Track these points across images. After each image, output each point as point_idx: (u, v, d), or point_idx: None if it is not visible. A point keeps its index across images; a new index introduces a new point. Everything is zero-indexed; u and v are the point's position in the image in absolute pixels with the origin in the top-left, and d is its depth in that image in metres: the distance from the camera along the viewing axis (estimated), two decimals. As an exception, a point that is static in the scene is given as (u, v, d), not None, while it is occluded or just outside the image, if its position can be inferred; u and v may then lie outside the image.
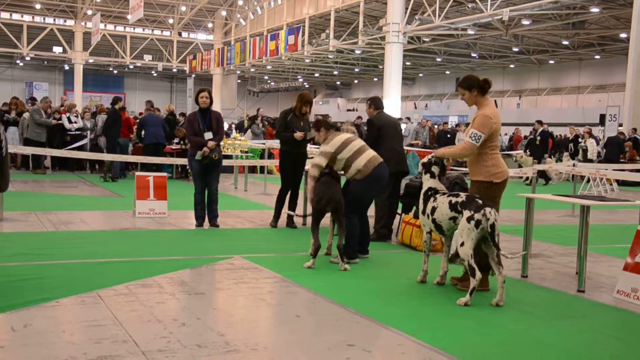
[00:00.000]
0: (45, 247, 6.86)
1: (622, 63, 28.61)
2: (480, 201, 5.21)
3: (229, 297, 5.23)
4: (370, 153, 6.65)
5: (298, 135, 8.42)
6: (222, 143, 9.75)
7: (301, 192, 9.00)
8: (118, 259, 6.39)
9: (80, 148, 15.87)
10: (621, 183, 17.55)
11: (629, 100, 20.87)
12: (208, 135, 8.36)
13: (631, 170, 14.94)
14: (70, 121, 16.30)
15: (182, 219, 9.21)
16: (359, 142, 6.67)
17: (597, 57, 38.16)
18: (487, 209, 5.12)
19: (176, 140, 16.10)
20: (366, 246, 6.95)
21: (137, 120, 16.50)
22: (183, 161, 14.12)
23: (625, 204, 6.66)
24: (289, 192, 8.74)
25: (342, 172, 6.73)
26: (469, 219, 5.14)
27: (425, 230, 5.82)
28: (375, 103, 8.04)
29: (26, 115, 15.80)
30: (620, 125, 22.11)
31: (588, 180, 15.03)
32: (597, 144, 20.98)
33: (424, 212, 5.70)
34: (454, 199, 5.40)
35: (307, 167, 9.00)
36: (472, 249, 5.11)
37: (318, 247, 6.30)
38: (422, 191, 5.76)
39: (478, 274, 5.09)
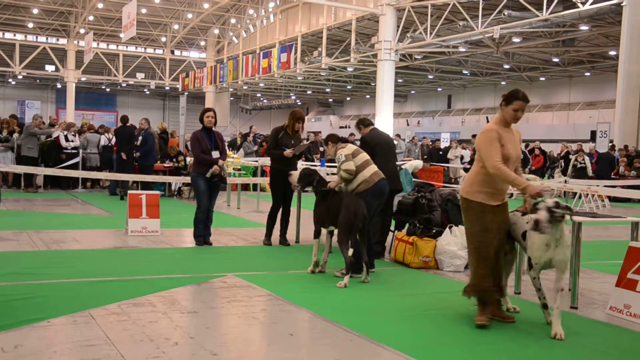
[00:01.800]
0: (37, 266, 6.81)
1: (612, 80, 28.89)
2: None
3: (222, 316, 5.21)
4: (375, 167, 6.91)
5: (288, 152, 8.44)
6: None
7: (293, 209, 8.99)
8: (110, 278, 6.35)
9: (74, 166, 15.84)
10: (613, 199, 17.63)
11: (619, 117, 21.04)
12: (215, 154, 8.48)
13: (622, 187, 15.02)
14: (67, 139, 16.29)
15: (174, 237, 9.18)
16: (365, 155, 6.98)
17: (587, 74, 38.49)
18: None
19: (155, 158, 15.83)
20: (372, 260, 7.00)
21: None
22: (176, 179, 14.16)
23: (616, 220, 6.70)
24: (281, 211, 8.74)
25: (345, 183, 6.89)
26: None
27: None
28: (363, 122, 8.09)
29: (15, 136, 15.80)
30: (611, 141, 22.29)
31: (580, 197, 15.10)
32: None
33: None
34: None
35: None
36: None
37: (352, 263, 6.37)
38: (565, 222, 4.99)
39: None
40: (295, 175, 7.21)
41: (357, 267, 6.59)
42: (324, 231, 6.92)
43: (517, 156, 5.19)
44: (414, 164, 10.87)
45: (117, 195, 14.77)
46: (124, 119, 15.28)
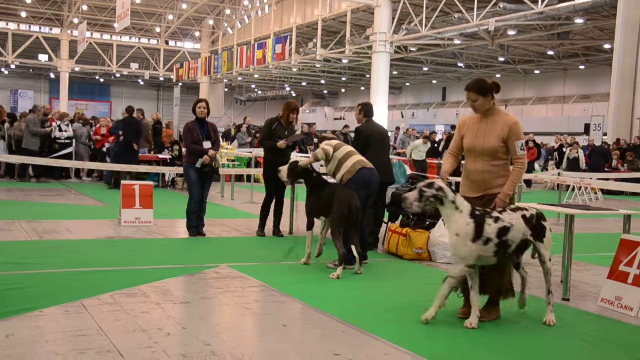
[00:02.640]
0: (29, 256, 6.79)
1: (606, 73, 28.91)
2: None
3: (215, 306, 5.20)
4: (358, 157, 6.94)
5: (281, 143, 8.43)
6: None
7: (287, 200, 8.99)
8: (103, 268, 6.33)
9: (67, 156, 15.78)
10: (605, 192, 17.70)
11: (613, 110, 21.11)
12: (207, 144, 8.46)
13: (615, 180, 15.06)
14: (60, 129, 16.23)
15: (168, 228, 9.17)
16: (350, 147, 7.07)
17: (582, 67, 38.52)
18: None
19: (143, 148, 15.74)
20: (365, 252, 7.03)
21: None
22: (170, 170, 14.12)
23: (609, 213, 6.73)
24: (274, 202, 8.74)
25: (333, 174, 6.95)
26: (549, 230, 4.92)
27: (466, 262, 4.73)
28: (366, 110, 8.03)
29: (6, 125, 15.75)
30: (605, 134, 22.36)
31: (573, 189, 15.15)
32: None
33: (478, 237, 4.68)
34: (527, 213, 4.83)
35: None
36: None
37: (344, 255, 6.38)
38: (464, 213, 4.73)
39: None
40: (283, 170, 7.19)
41: (350, 258, 6.60)
42: (317, 222, 6.93)
43: (482, 147, 5.06)
44: (410, 147, 10.87)
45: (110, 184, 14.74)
46: (130, 109, 15.22)
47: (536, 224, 4.85)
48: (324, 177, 7.19)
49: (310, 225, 6.85)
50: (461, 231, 4.68)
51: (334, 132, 19.88)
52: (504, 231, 4.71)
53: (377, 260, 7.37)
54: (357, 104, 8.34)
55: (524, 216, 4.81)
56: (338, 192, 6.57)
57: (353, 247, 6.52)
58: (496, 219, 4.73)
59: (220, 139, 10.04)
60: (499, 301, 5.11)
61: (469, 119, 5.26)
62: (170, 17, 46.56)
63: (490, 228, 4.69)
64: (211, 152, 8.43)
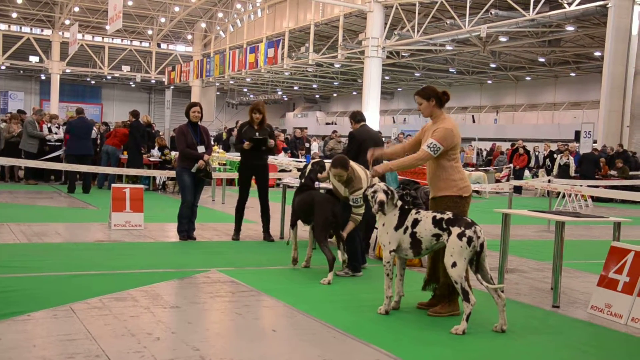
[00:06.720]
0: (18, 259, 6.74)
1: (597, 81, 29.08)
2: (469, 219, 4.97)
3: (205, 311, 5.18)
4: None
5: (246, 145, 8.45)
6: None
7: (277, 204, 8.97)
8: (92, 272, 6.30)
9: (56, 158, 15.69)
10: (596, 199, 17.79)
11: (603, 117, 21.24)
12: (201, 148, 8.45)
13: (605, 187, 15.14)
14: (50, 131, 16.15)
15: (158, 232, 9.13)
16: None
17: (573, 74, 38.73)
18: (478, 227, 4.88)
19: (143, 151, 15.67)
20: (363, 256, 7.13)
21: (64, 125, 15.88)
22: (161, 173, 14.07)
23: (599, 220, 6.75)
24: (260, 207, 8.74)
25: (344, 188, 6.72)
26: (459, 236, 4.82)
27: (389, 248, 5.24)
28: (355, 117, 8.07)
29: (3, 125, 15.69)
30: (595, 141, 22.50)
31: (563, 196, 15.21)
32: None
33: (400, 226, 5.19)
34: (438, 215, 5.04)
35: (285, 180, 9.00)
36: (465, 270, 4.84)
37: (333, 259, 6.39)
38: (397, 208, 5.28)
39: (472, 298, 4.80)
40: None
41: (357, 265, 6.75)
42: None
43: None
44: None
45: (102, 189, 14.66)
46: (136, 114, 15.16)
47: (446, 227, 5.00)
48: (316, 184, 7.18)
49: (291, 224, 6.93)
50: (387, 221, 5.26)
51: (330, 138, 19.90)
52: (415, 222, 5.15)
53: (368, 266, 7.36)
54: (349, 116, 8.36)
55: (434, 217, 5.09)
56: (317, 198, 6.57)
57: (340, 252, 6.53)
58: (416, 212, 5.23)
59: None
60: (454, 297, 5.29)
61: (427, 124, 5.64)
62: (163, 19, 46.47)
63: (410, 217, 5.19)
64: (206, 156, 8.43)
